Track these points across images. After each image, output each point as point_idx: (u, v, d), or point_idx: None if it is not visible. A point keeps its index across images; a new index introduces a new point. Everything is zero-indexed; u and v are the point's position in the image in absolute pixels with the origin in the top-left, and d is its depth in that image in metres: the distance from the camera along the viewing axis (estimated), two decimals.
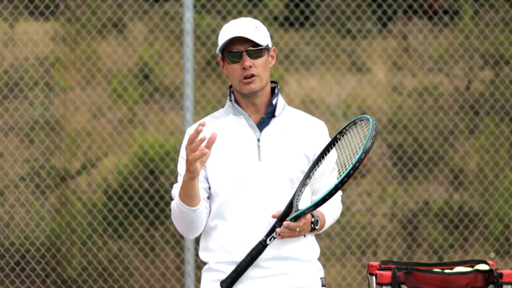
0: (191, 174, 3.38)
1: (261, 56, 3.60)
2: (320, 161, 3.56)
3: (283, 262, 3.57)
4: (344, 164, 3.46)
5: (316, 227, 3.56)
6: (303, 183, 3.53)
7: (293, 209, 3.47)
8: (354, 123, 3.54)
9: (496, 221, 8.30)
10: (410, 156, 8.38)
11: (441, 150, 8.41)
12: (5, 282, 7.54)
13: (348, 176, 3.34)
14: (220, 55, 3.66)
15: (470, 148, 8.56)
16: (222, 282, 3.51)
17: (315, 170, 3.55)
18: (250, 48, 3.58)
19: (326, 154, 3.57)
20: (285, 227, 3.45)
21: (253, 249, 3.49)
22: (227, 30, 3.60)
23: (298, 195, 3.49)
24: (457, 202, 8.47)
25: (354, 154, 3.42)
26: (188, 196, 3.46)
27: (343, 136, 3.57)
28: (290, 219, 3.44)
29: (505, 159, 8.42)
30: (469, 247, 8.32)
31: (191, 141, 3.35)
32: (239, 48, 3.58)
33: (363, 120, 3.50)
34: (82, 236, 7.70)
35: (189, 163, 3.37)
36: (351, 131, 3.55)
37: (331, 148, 3.58)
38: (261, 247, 3.49)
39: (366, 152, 3.34)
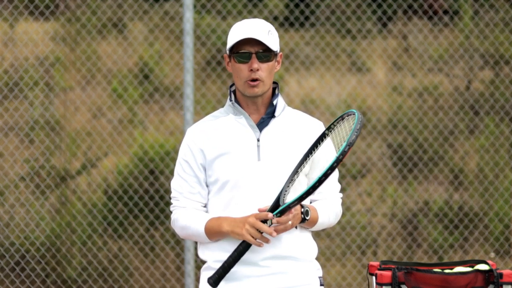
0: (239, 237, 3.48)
1: (269, 61, 3.59)
2: (309, 157, 3.56)
3: (281, 261, 3.57)
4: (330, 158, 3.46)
5: (307, 218, 3.54)
6: (291, 179, 3.52)
7: (280, 204, 3.46)
8: (342, 118, 3.54)
9: (496, 221, 8.30)
10: (410, 156, 8.38)
11: (441, 150, 8.41)
12: (5, 282, 7.54)
13: (332, 168, 3.34)
14: (227, 52, 3.64)
15: (470, 148, 8.56)
16: (209, 279, 3.49)
17: (303, 166, 3.55)
18: (260, 51, 3.57)
19: (314, 150, 3.56)
20: (276, 223, 3.44)
21: (240, 244, 3.48)
22: (240, 29, 3.58)
23: (286, 191, 3.48)
24: (457, 202, 8.47)
25: (339, 148, 3.43)
26: (215, 237, 3.54)
27: (331, 132, 3.57)
28: (275, 214, 3.42)
29: (505, 159, 8.42)
30: (469, 247, 8.32)
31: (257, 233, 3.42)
32: (249, 50, 3.56)
33: (350, 114, 3.50)
34: (82, 236, 7.70)
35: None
36: (339, 126, 3.55)
37: (319, 144, 3.57)
38: (247, 242, 3.48)
39: (350, 145, 3.32)
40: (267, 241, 3.44)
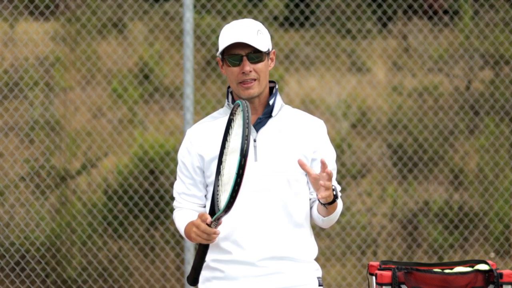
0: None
1: (261, 61, 3.58)
2: (224, 149, 3.47)
3: (279, 262, 3.57)
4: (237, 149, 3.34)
5: (339, 194, 3.48)
6: (217, 184, 3.45)
7: (216, 211, 3.41)
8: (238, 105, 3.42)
9: (496, 221, 8.30)
10: (410, 156, 8.38)
11: (441, 150, 8.41)
12: (5, 282, 7.54)
13: (237, 184, 3.24)
14: (220, 56, 3.64)
15: (470, 148, 8.56)
16: (188, 277, 3.51)
17: (222, 166, 3.47)
18: (251, 52, 3.55)
19: (227, 140, 3.47)
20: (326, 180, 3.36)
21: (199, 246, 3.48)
22: (228, 32, 3.57)
23: (218, 195, 3.43)
24: (457, 202, 8.47)
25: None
26: (192, 241, 3.52)
27: (234, 115, 3.45)
28: (213, 220, 3.38)
29: (505, 159, 8.42)
30: (469, 247, 8.32)
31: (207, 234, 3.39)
32: (240, 52, 3.55)
33: (238, 106, 3.39)
34: (82, 236, 7.71)
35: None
36: (237, 115, 3.43)
37: (229, 133, 3.47)
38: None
39: (244, 156, 3.21)
40: (214, 238, 3.41)
